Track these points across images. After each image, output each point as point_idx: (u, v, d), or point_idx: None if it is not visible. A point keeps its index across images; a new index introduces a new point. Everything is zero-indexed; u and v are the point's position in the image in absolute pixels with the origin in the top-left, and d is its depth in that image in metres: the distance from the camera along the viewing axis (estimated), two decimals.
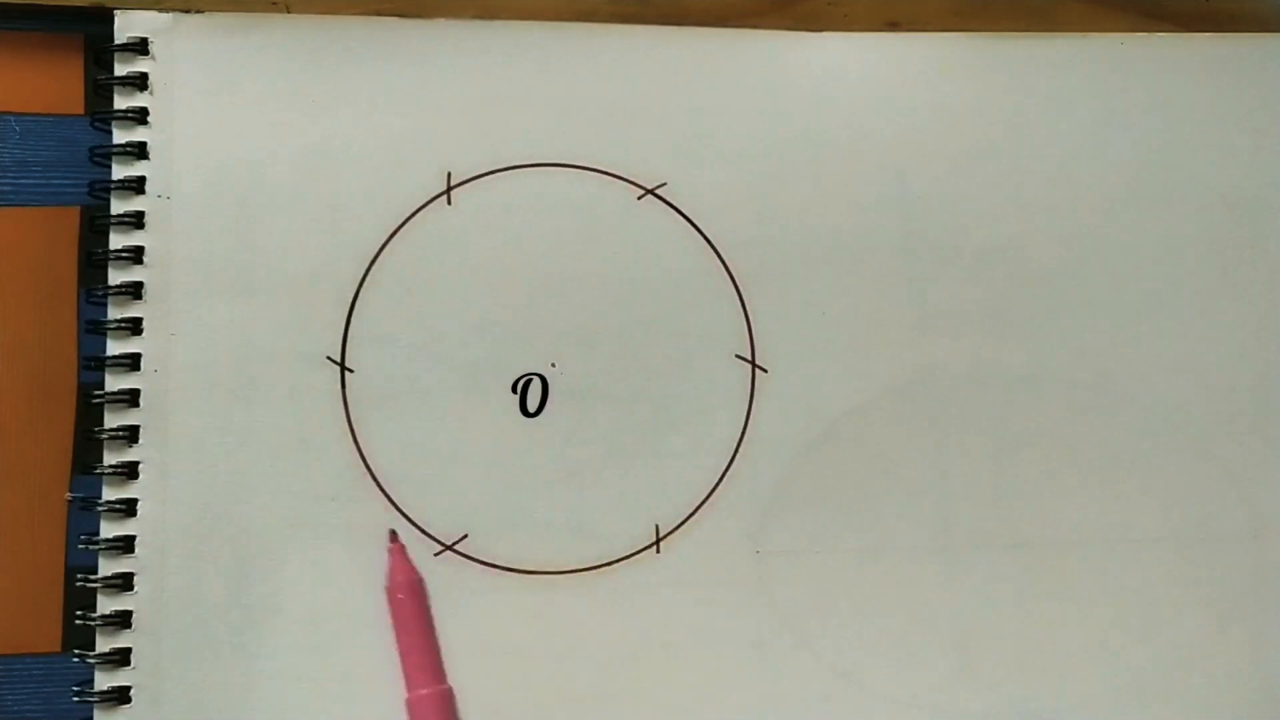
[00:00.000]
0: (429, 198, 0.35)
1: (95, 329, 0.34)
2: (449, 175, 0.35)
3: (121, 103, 0.35)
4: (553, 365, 0.35)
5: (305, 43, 0.36)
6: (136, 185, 0.34)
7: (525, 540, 0.34)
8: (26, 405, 0.34)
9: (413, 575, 0.33)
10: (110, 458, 0.33)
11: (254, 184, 0.35)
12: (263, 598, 0.33)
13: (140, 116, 0.35)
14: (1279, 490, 0.36)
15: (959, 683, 0.34)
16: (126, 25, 0.35)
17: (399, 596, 0.33)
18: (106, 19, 0.35)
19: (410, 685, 0.32)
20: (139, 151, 0.35)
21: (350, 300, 0.35)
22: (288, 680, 0.33)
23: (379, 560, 0.33)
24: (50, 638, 0.33)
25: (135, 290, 0.34)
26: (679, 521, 0.34)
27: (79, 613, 0.33)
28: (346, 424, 0.34)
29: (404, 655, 0.33)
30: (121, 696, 0.32)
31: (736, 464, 0.35)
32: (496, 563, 0.34)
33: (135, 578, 0.33)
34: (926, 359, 0.36)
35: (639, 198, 0.36)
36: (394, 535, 0.33)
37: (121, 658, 0.32)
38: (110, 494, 0.33)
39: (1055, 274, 0.37)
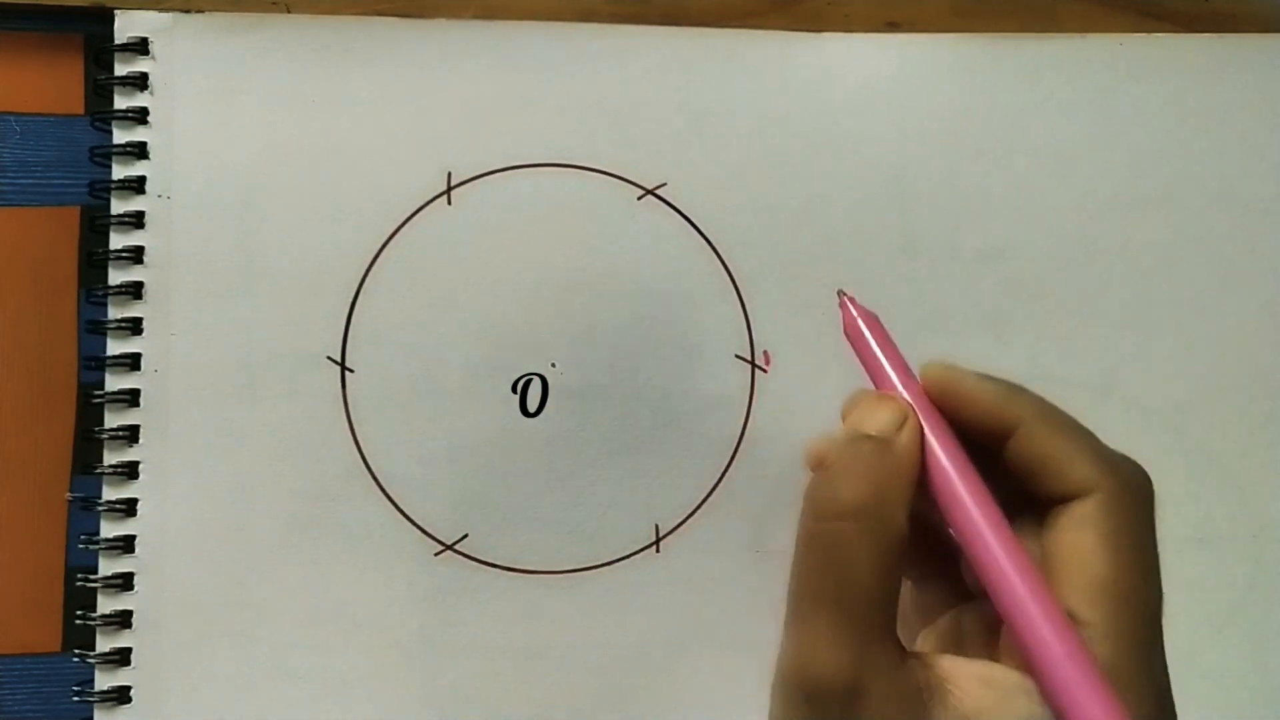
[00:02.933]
0: (429, 198, 0.35)
1: (95, 329, 0.34)
2: (449, 175, 0.35)
3: (121, 103, 0.35)
4: (553, 365, 0.35)
5: (305, 43, 0.36)
6: (136, 185, 0.34)
7: (525, 540, 0.34)
8: (26, 405, 0.34)
9: (868, 313, 0.29)
10: (110, 458, 0.33)
11: (254, 184, 0.35)
12: (263, 598, 0.33)
13: (140, 116, 0.35)
14: (1278, 490, 0.36)
15: None
16: (127, 25, 0.35)
17: (859, 331, 0.29)
18: (106, 19, 0.35)
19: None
20: (139, 151, 0.35)
21: (350, 300, 0.35)
22: (288, 680, 0.33)
23: (379, 560, 0.33)
24: (50, 638, 0.33)
25: (135, 290, 0.34)
26: (679, 521, 0.34)
27: (79, 612, 0.33)
28: (346, 424, 0.34)
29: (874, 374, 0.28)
30: (121, 696, 0.32)
31: (736, 464, 0.35)
32: (496, 563, 0.34)
33: (135, 577, 0.33)
34: (926, 359, 0.36)
35: (639, 198, 0.36)
36: (840, 293, 0.30)
37: (121, 657, 0.32)
38: (110, 494, 0.33)
39: (1055, 274, 0.37)
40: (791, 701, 0.24)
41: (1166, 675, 0.25)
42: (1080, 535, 0.24)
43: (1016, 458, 0.26)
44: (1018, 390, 0.26)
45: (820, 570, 0.25)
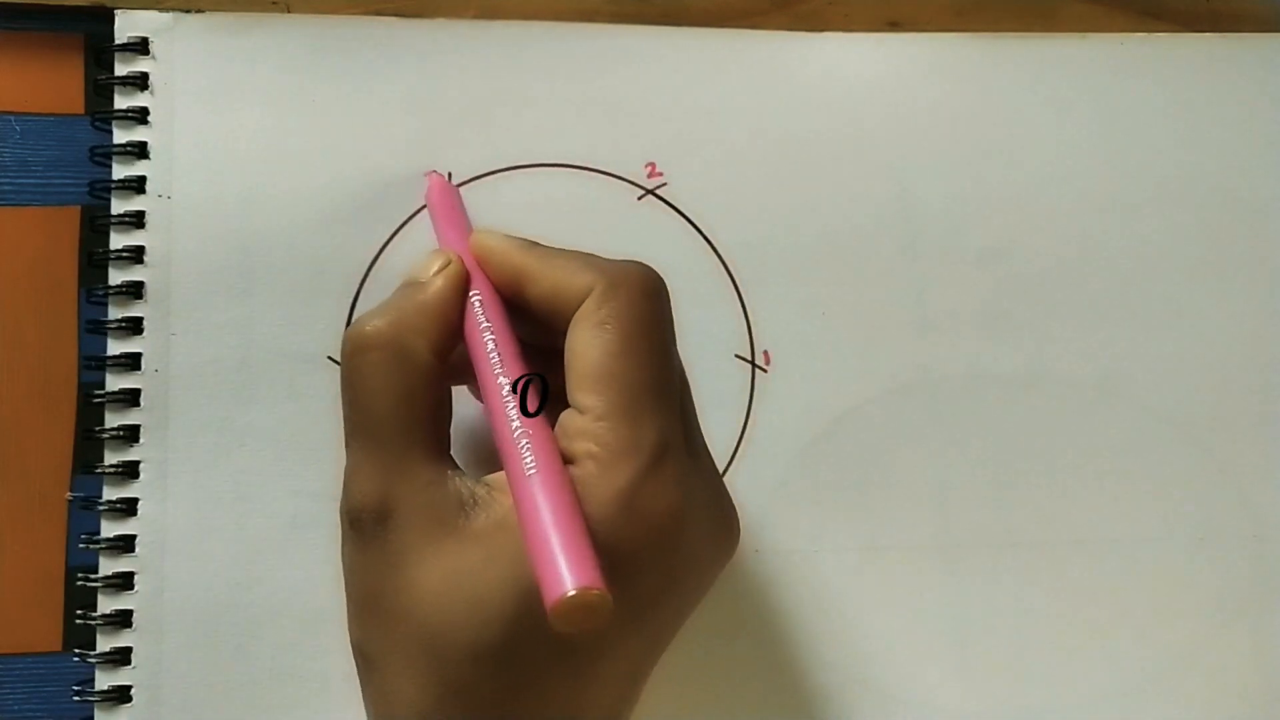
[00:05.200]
0: None
1: (96, 329, 0.34)
2: (449, 175, 0.35)
3: (122, 102, 0.35)
4: None
5: (305, 43, 0.36)
6: (137, 185, 0.34)
7: None
8: (26, 405, 0.34)
9: (450, 188, 0.33)
10: (111, 457, 0.33)
11: (254, 184, 0.35)
12: (263, 598, 0.33)
13: (141, 116, 0.35)
14: (1279, 490, 0.36)
15: (959, 682, 0.34)
16: (127, 25, 0.35)
17: (434, 200, 0.33)
18: (107, 19, 0.35)
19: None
20: (139, 151, 0.35)
21: (351, 300, 0.35)
22: (288, 680, 0.33)
23: None
24: (50, 637, 0.33)
25: (136, 290, 0.34)
26: None
27: (79, 612, 0.33)
28: None
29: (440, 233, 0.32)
30: (122, 696, 0.32)
31: (736, 464, 0.35)
32: None
33: (135, 577, 0.33)
34: (926, 359, 0.36)
35: (639, 198, 0.36)
36: (431, 172, 0.35)
37: (122, 657, 0.32)
38: (110, 493, 0.33)
39: (1055, 274, 0.37)
40: (343, 528, 0.26)
41: (669, 438, 0.26)
42: (578, 330, 0.26)
43: (535, 299, 0.28)
44: (531, 243, 0.29)
45: (350, 402, 0.27)
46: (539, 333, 0.28)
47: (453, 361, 0.28)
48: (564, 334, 0.27)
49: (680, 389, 0.27)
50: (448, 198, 0.32)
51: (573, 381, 0.26)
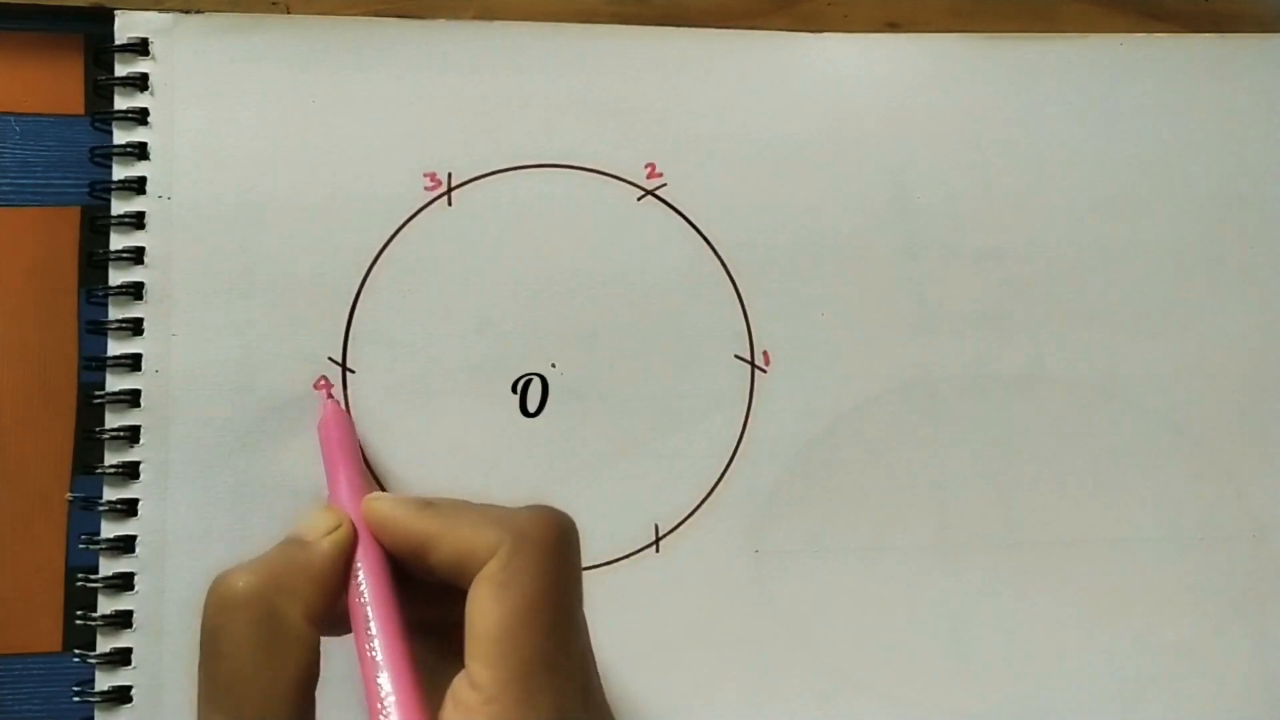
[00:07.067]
0: (429, 198, 0.35)
1: (96, 329, 0.34)
2: (449, 175, 0.35)
3: (122, 103, 0.35)
4: (553, 365, 0.35)
5: (305, 43, 0.36)
6: (137, 185, 0.34)
7: None
8: (27, 405, 0.34)
9: (341, 412, 0.32)
10: (111, 458, 0.33)
11: (255, 184, 0.35)
12: None
13: (140, 117, 0.35)
14: (1279, 490, 0.36)
15: (957, 682, 0.34)
16: (127, 25, 0.35)
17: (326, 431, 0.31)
18: (107, 19, 0.35)
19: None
20: (139, 152, 0.35)
21: (351, 300, 0.35)
22: None
23: None
24: (51, 638, 0.33)
25: (136, 290, 0.34)
26: (679, 521, 0.34)
27: (79, 613, 0.33)
28: None
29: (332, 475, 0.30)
30: (122, 696, 0.32)
31: (736, 464, 0.35)
32: None
33: (135, 577, 0.33)
34: (926, 359, 0.36)
35: (639, 198, 0.36)
36: (325, 381, 0.33)
37: (122, 658, 0.32)
38: (111, 494, 0.33)
39: (1055, 274, 0.37)
40: None
41: (565, 716, 0.23)
42: (479, 592, 0.24)
43: (440, 566, 0.25)
44: (427, 503, 0.26)
45: (207, 664, 0.24)
46: (447, 603, 0.25)
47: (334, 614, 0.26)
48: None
49: (584, 651, 0.25)
50: (342, 432, 0.30)
51: (469, 648, 0.23)
